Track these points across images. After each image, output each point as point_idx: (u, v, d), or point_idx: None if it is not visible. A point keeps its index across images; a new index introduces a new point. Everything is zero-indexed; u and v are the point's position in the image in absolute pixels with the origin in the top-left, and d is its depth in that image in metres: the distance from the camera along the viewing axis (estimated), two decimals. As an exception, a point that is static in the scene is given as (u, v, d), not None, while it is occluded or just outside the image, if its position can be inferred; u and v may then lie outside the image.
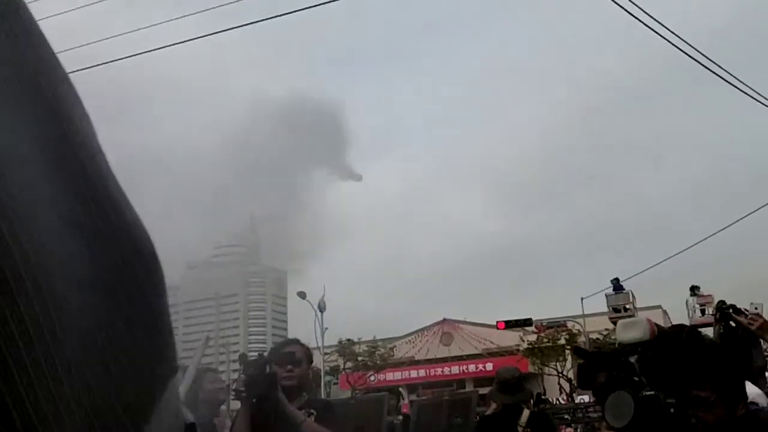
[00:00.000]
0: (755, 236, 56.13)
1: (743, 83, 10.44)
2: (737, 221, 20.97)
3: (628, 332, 3.48)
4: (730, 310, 7.56)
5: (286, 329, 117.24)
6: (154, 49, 12.23)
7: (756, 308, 4.55)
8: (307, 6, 10.21)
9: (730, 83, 10.20)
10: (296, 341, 3.56)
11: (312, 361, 3.46)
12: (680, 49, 9.04)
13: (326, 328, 32.98)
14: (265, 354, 3.38)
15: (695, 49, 9.17)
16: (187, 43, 12.02)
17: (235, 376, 3.24)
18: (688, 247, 25.50)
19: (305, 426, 2.95)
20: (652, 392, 3.33)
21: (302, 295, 32.63)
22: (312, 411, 3.13)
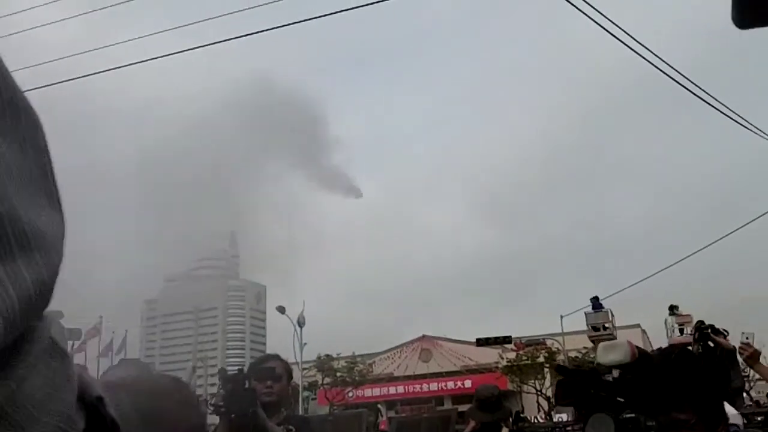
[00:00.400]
0: (733, 257, 56.85)
1: (722, 104, 10.57)
2: (713, 243, 21.18)
3: (609, 355, 3.47)
4: (709, 330, 7.61)
5: (264, 344, 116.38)
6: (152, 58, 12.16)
7: (747, 338, 4.58)
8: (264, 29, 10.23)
9: (709, 104, 10.32)
10: (276, 357, 3.53)
11: (292, 377, 3.43)
12: (658, 68, 9.12)
13: (305, 343, 32.82)
14: (245, 369, 3.34)
15: (671, 67, 9.25)
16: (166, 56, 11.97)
17: (214, 390, 3.20)
18: (667, 267, 25.70)
19: None
20: (633, 415, 3.32)
21: (281, 309, 32.46)
22: (291, 427, 3.10)
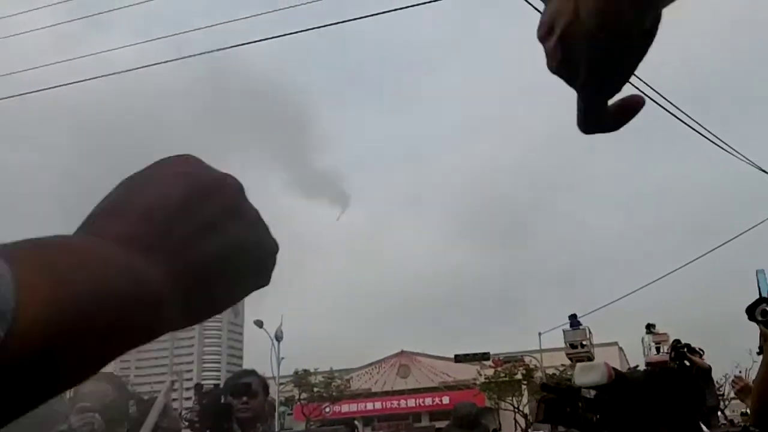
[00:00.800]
0: (712, 276, 57.53)
1: (699, 124, 10.72)
2: (691, 262, 21.42)
3: (586, 376, 3.50)
4: (685, 350, 7.70)
5: (241, 358, 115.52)
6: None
7: (740, 372, 4.67)
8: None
9: (686, 124, 10.45)
10: (253, 372, 3.51)
11: (268, 393, 3.41)
12: (634, 85, 9.23)
13: (282, 358, 32.63)
14: (221, 384, 3.33)
15: (648, 85, 9.35)
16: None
17: (189, 405, 3.19)
18: (645, 285, 25.92)
19: None
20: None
21: (259, 323, 32.24)
22: None
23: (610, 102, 0.64)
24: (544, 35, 0.62)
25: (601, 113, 0.64)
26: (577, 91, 0.63)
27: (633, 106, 0.65)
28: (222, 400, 2.97)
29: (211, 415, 2.87)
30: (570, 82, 0.62)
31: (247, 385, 3.16)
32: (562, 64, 0.61)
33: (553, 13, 0.61)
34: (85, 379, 0.38)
